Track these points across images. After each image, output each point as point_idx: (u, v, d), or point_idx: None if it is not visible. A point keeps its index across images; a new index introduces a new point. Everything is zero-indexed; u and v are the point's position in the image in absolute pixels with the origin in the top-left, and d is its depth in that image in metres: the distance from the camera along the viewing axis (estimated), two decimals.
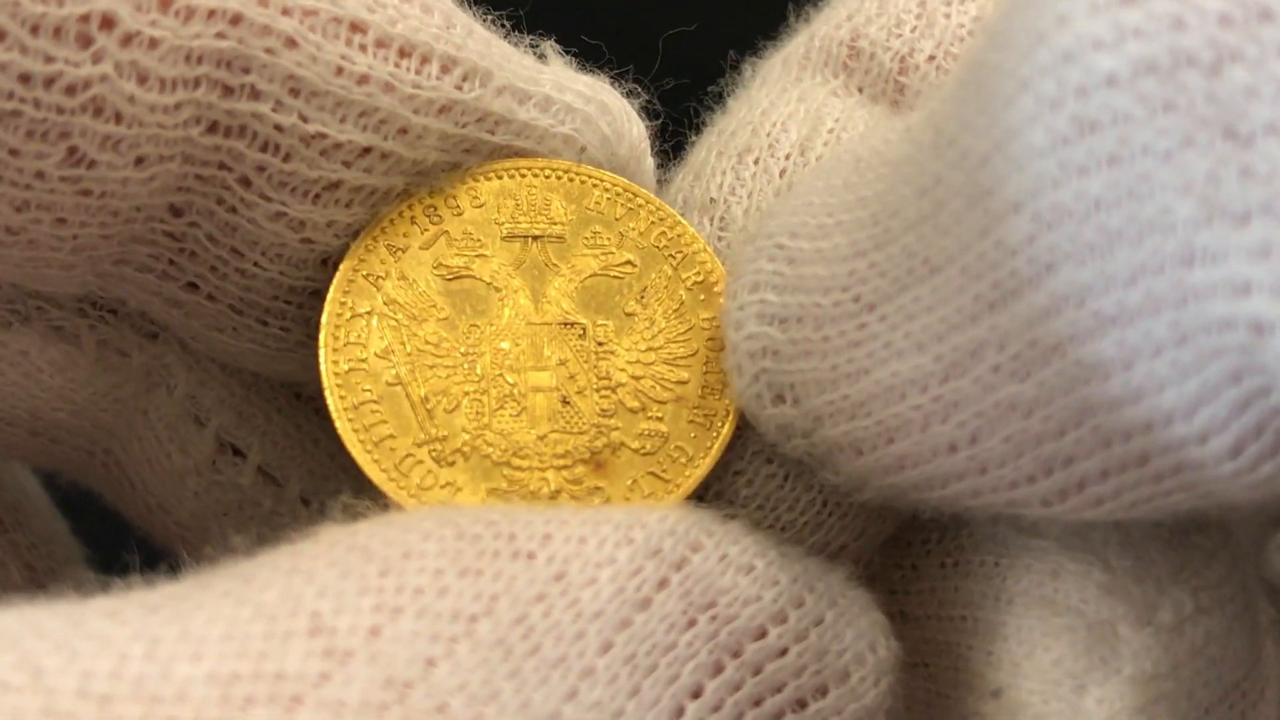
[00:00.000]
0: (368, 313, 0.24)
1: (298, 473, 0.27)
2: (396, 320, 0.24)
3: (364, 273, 0.24)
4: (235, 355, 0.26)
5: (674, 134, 0.28)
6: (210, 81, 0.21)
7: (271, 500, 0.27)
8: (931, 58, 0.27)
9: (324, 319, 0.24)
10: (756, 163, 0.26)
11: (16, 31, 0.20)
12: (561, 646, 0.19)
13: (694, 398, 0.24)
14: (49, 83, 0.20)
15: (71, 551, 0.30)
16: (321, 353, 0.24)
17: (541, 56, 0.26)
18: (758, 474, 0.24)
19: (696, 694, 0.20)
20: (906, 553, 0.26)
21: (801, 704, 0.21)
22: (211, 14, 0.21)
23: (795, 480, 0.24)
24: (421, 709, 0.18)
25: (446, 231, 0.25)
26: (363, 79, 0.22)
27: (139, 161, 0.21)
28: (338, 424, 0.24)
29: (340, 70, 0.22)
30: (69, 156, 0.21)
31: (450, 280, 0.25)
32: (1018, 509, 0.21)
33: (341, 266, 0.24)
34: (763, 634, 0.21)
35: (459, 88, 0.23)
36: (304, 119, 0.22)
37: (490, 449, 0.24)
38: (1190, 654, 0.23)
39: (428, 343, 0.24)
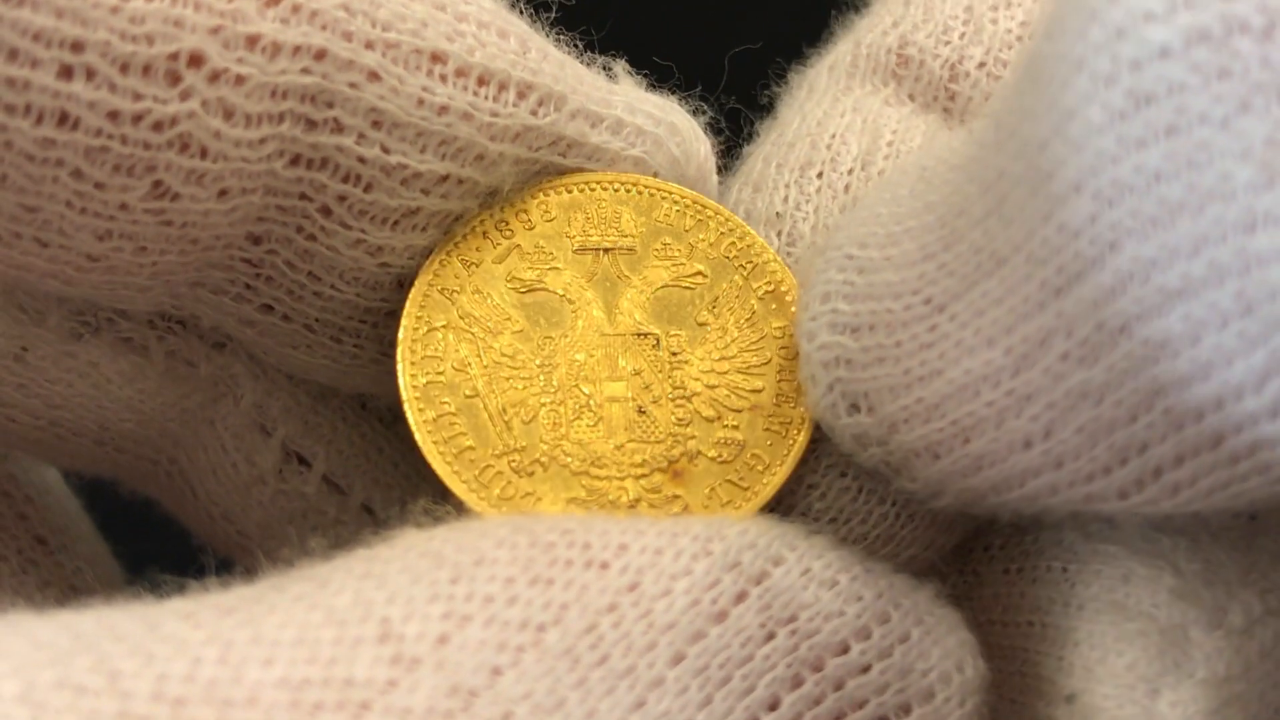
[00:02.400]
0: (444, 326, 0.25)
1: (362, 481, 0.28)
2: (472, 334, 0.25)
3: (439, 287, 0.25)
4: (306, 369, 0.26)
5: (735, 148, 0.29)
6: (294, 116, 0.22)
7: (335, 509, 0.27)
8: (981, 64, 0.27)
9: (401, 334, 0.24)
10: (820, 177, 0.26)
11: (106, 70, 0.20)
12: (630, 657, 0.19)
13: (769, 406, 0.25)
14: (136, 119, 0.20)
15: (113, 574, 0.31)
16: (400, 367, 0.24)
17: (612, 76, 0.26)
18: (831, 487, 0.24)
19: (773, 706, 0.20)
20: (968, 559, 0.26)
21: None
22: (297, 50, 0.21)
23: (869, 494, 0.24)
24: (486, 717, 0.18)
25: (519, 245, 0.25)
26: (442, 109, 0.23)
27: (222, 194, 0.22)
28: (418, 436, 0.24)
29: (421, 102, 0.22)
30: (153, 190, 0.21)
31: (524, 293, 0.25)
32: (1095, 504, 0.21)
33: (417, 282, 0.25)
34: (845, 649, 0.21)
35: (534, 113, 0.24)
36: (386, 150, 0.23)
37: (569, 459, 0.24)
38: (1260, 656, 0.23)
39: (503, 355, 0.25)
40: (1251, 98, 0.17)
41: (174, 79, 0.21)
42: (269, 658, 0.18)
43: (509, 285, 0.25)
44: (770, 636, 0.20)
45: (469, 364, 0.24)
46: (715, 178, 0.27)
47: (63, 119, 0.20)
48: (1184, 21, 0.17)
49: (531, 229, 0.25)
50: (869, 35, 0.28)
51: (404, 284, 0.25)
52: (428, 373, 0.24)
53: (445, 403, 0.24)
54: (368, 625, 0.18)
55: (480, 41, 0.23)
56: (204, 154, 0.21)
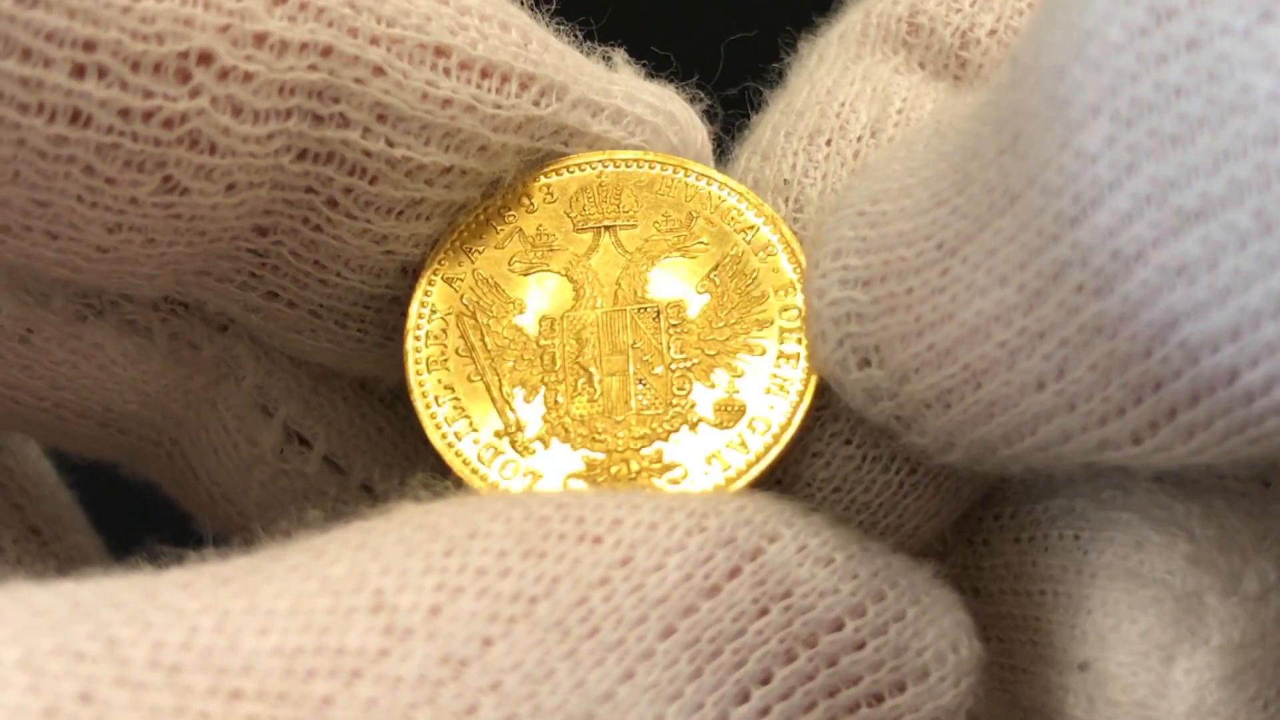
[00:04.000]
0: (448, 313, 0.25)
1: (362, 461, 0.28)
2: (475, 319, 0.25)
3: (443, 275, 0.25)
4: (309, 353, 0.26)
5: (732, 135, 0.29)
6: (301, 112, 0.22)
7: (336, 488, 0.28)
8: (992, 31, 0.27)
9: (407, 320, 0.25)
10: (829, 144, 0.26)
11: (118, 69, 0.20)
12: (621, 630, 0.19)
13: (770, 369, 0.24)
14: (147, 116, 0.21)
15: (78, 520, 0.31)
16: (405, 350, 0.24)
17: (611, 65, 0.26)
18: (835, 455, 0.24)
19: (765, 680, 0.20)
20: (978, 528, 0.26)
21: (878, 698, 0.21)
22: (304, 47, 0.22)
23: (872, 463, 0.24)
24: (475, 686, 0.18)
25: (520, 229, 0.25)
26: (446, 102, 0.23)
27: (230, 188, 0.22)
28: (421, 419, 0.24)
29: (425, 95, 0.23)
30: (163, 184, 0.21)
31: (526, 275, 0.25)
32: (1108, 452, 0.20)
33: (423, 271, 0.25)
34: (839, 626, 0.21)
35: (536, 104, 0.24)
36: (390, 144, 0.23)
37: (569, 435, 0.24)
38: (1275, 622, 0.22)
39: (505, 338, 0.25)
40: (1273, 6, 0.16)
41: (184, 77, 0.21)
42: (264, 627, 0.18)
43: (511, 269, 0.25)
44: (763, 612, 0.20)
45: (473, 348, 0.24)
46: (712, 164, 0.27)
47: (75, 117, 0.20)
48: None
49: (533, 212, 0.25)
50: (879, 4, 0.28)
51: (409, 271, 0.25)
52: (431, 357, 0.24)
53: (449, 386, 0.24)
54: (361, 595, 0.18)
55: (483, 34, 0.23)
56: (213, 150, 0.21)
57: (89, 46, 0.20)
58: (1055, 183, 0.19)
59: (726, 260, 0.25)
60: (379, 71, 0.22)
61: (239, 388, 0.27)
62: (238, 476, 0.28)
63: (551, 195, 0.25)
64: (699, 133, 0.27)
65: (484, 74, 0.23)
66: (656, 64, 0.27)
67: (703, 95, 0.28)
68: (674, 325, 0.25)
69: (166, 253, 0.23)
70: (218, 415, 0.27)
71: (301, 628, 0.18)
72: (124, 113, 0.20)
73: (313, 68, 0.22)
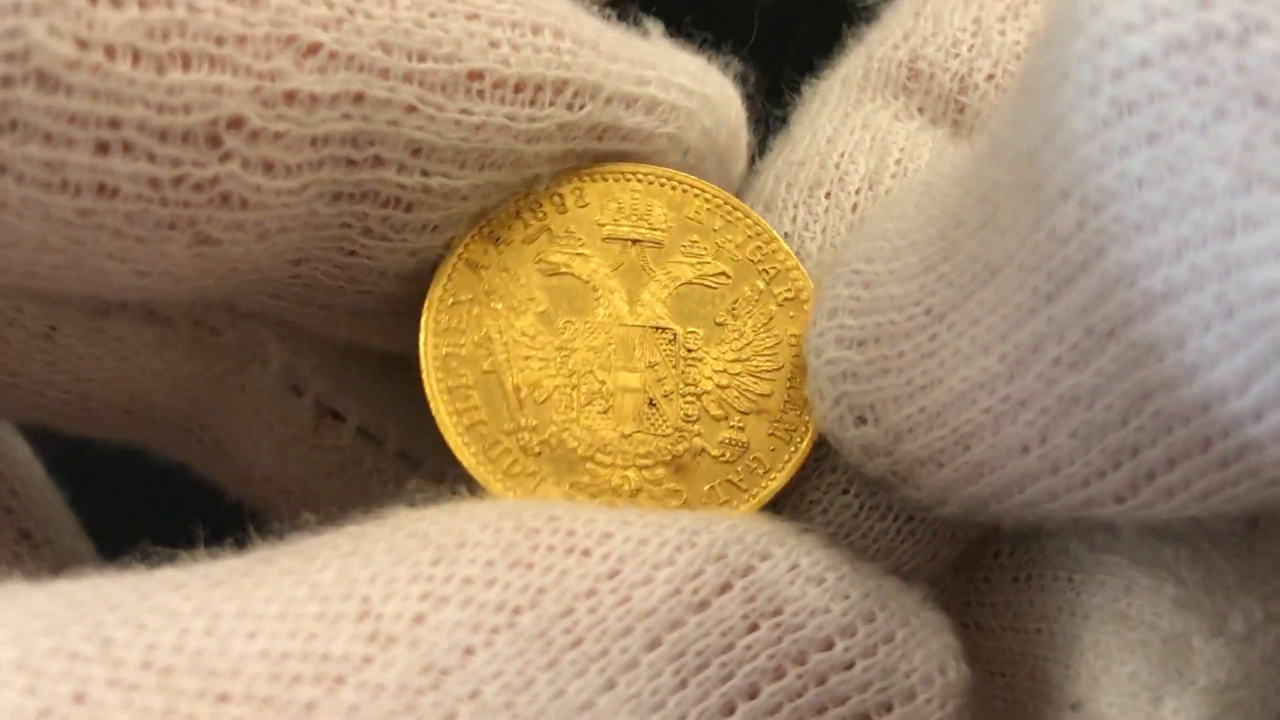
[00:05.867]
0: (469, 300, 0.25)
1: (395, 430, 0.28)
2: (495, 310, 0.25)
3: (467, 260, 0.25)
4: (341, 339, 0.27)
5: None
6: (334, 160, 0.22)
7: (372, 458, 0.28)
8: (990, 76, 0.28)
9: (426, 304, 0.25)
10: (828, 196, 0.27)
11: (144, 142, 0.20)
12: (604, 641, 0.19)
13: (775, 411, 0.25)
14: (176, 183, 0.21)
15: (68, 523, 0.31)
16: (422, 336, 0.25)
17: (645, 32, 0.26)
18: (834, 503, 0.25)
19: (752, 695, 0.20)
20: (979, 566, 0.26)
21: (865, 717, 0.21)
22: (335, 98, 0.21)
23: (870, 511, 0.25)
24: (455, 695, 0.18)
25: (549, 228, 0.26)
26: (479, 127, 0.23)
27: (261, 237, 0.22)
28: (433, 405, 0.24)
29: (458, 123, 0.23)
30: (194, 239, 0.22)
31: (550, 276, 0.25)
32: (1093, 509, 0.21)
33: (446, 256, 0.25)
34: (829, 645, 0.21)
35: (569, 108, 0.24)
36: (425, 174, 0.23)
37: (576, 444, 0.24)
38: (1262, 662, 0.23)
39: (524, 334, 0.25)
40: (1228, 103, 0.17)
41: (214, 143, 0.21)
42: (253, 630, 0.18)
43: (536, 266, 0.25)
44: (753, 628, 0.20)
45: (490, 339, 0.25)
46: (745, 136, 0.27)
47: (101, 190, 0.20)
48: (1162, 30, 0.18)
49: (564, 213, 0.26)
50: (880, 49, 0.29)
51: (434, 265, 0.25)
52: (449, 344, 0.25)
53: (463, 375, 0.25)
54: (349, 603, 0.19)
55: (514, 46, 0.23)
56: (244, 205, 0.21)
57: (113, 124, 0.20)
58: (1030, 261, 0.20)
59: (744, 298, 0.26)
60: (411, 109, 0.22)
61: (266, 370, 0.28)
62: (274, 456, 0.28)
63: (584, 199, 0.26)
64: (733, 108, 0.27)
65: (517, 89, 0.23)
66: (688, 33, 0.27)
67: (738, 63, 0.28)
68: (690, 352, 0.25)
69: (196, 286, 0.23)
70: (247, 399, 0.28)
71: (289, 633, 0.18)
72: (153, 183, 0.21)
73: (345, 117, 0.22)
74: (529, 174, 0.24)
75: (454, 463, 0.24)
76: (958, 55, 0.28)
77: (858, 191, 0.27)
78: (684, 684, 0.20)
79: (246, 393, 0.28)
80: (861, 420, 0.23)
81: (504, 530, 0.20)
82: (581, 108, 0.24)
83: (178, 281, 0.23)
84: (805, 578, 0.21)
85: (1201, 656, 0.23)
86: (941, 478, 0.22)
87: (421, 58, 0.22)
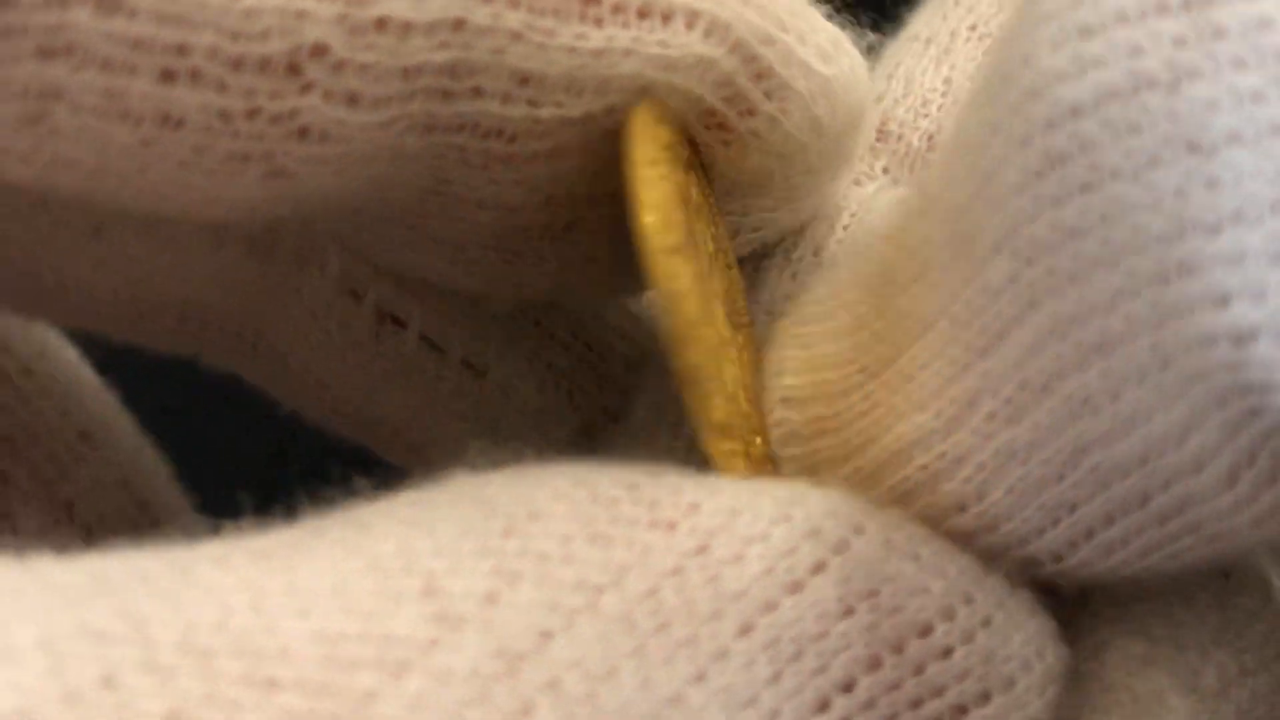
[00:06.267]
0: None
1: (460, 337, 0.27)
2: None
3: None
4: (417, 270, 0.26)
5: None
6: (428, 91, 0.20)
7: (435, 366, 0.27)
8: None
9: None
10: (772, 262, 0.27)
11: (215, 71, 0.19)
12: (693, 625, 0.18)
13: None
14: (250, 115, 0.19)
15: (159, 466, 0.31)
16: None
17: None
18: None
19: (848, 688, 0.18)
20: None
21: (962, 710, 0.19)
22: (431, 26, 0.20)
23: None
24: (533, 684, 0.16)
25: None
26: (599, 53, 0.21)
27: (341, 171, 0.21)
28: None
29: (573, 50, 0.21)
30: (268, 172, 0.20)
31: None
32: (1034, 569, 0.21)
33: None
34: (929, 630, 0.19)
35: (703, 40, 0.22)
36: (534, 104, 0.21)
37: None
38: (1237, 715, 0.22)
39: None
40: (1161, 151, 0.17)
41: (294, 72, 0.19)
42: (304, 608, 0.16)
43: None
44: (849, 611, 0.19)
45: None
46: (862, 134, 0.26)
47: (164, 120, 0.19)
48: (1093, 79, 0.18)
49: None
50: None
51: (550, 201, 0.23)
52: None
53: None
54: (411, 578, 0.17)
55: None
56: (324, 140, 0.20)
57: (181, 51, 0.19)
58: (963, 316, 0.19)
59: None
60: (517, 37, 0.20)
61: (324, 274, 0.26)
62: (331, 363, 0.27)
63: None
64: (855, 93, 0.24)
65: (641, 14, 0.21)
66: None
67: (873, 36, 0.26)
68: None
69: (265, 214, 0.22)
70: (303, 303, 0.27)
71: (345, 611, 0.16)
72: (223, 115, 0.19)
73: (442, 45, 0.20)
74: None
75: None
76: (927, 115, 0.28)
77: (799, 259, 0.26)
78: (778, 675, 0.18)
79: (304, 297, 0.27)
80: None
81: (580, 500, 0.18)
82: (712, 46, 0.22)
83: (249, 210, 0.21)
84: (901, 553, 0.20)
85: (1175, 714, 0.22)
86: None
87: None
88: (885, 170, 0.28)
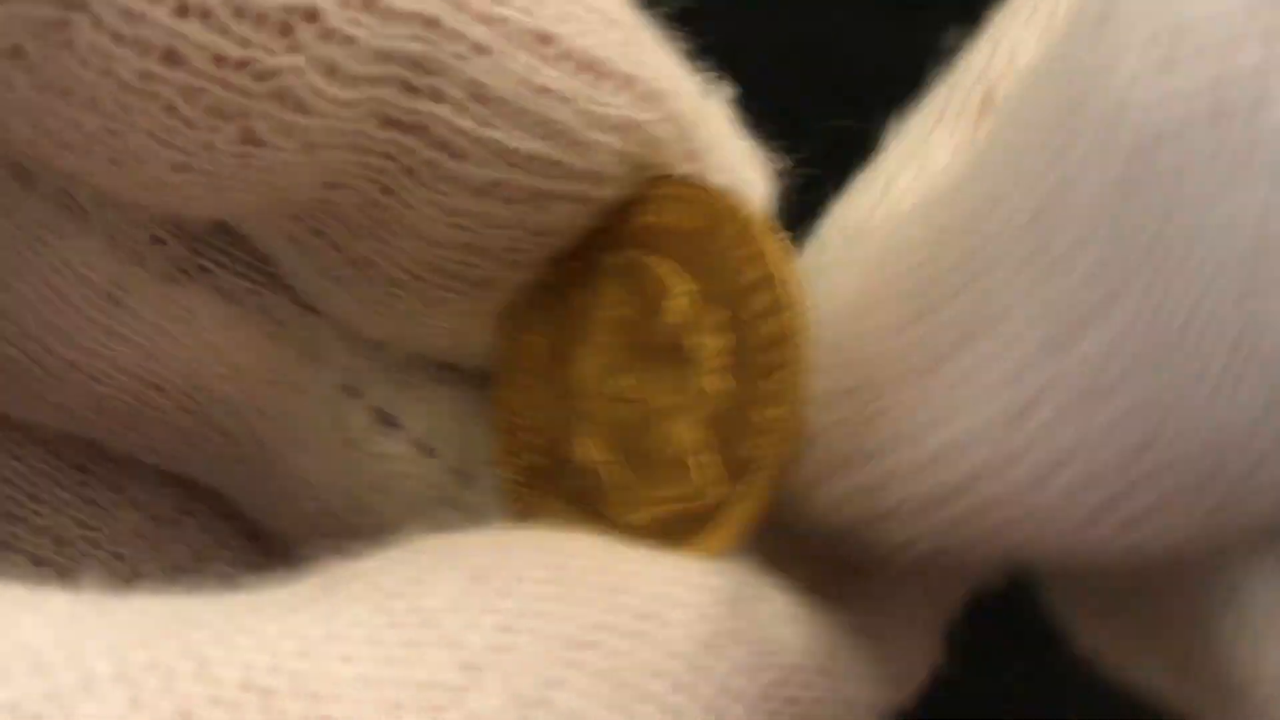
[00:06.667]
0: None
1: (452, 444, 0.27)
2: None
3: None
4: (379, 328, 0.27)
5: None
6: (395, 80, 0.22)
7: (425, 471, 0.27)
8: None
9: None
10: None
11: (221, 14, 0.20)
12: (652, 681, 0.20)
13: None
14: (240, 65, 0.20)
15: None
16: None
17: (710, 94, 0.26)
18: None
19: None
20: None
21: None
22: (410, 16, 0.21)
23: None
24: None
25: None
26: (543, 90, 0.22)
27: (308, 147, 0.22)
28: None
29: (523, 80, 0.22)
30: (241, 135, 0.21)
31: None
32: (1068, 557, 0.22)
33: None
34: (811, 685, 0.22)
35: (635, 104, 0.23)
36: (481, 122, 0.22)
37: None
38: None
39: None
40: (1241, 176, 0.18)
41: (285, 31, 0.20)
42: (346, 655, 0.18)
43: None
44: (757, 670, 0.21)
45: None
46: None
47: (168, 55, 0.20)
48: (1176, 110, 0.18)
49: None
50: (965, 79, 0.29)
51: (471, 249, 0.24)
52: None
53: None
54: (431, 631, 0.19)
55: (587, 27, 0.23)
56: (300, 108, 0.21)
57: None
58: (1030, 319, 0.20)
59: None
60: (480, 50, 0.22)
61: (327, 368, 0.27)
62: (323, 464, 0.27)
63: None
64: (762, 203, 0.26)
65: (583, 68, 0.23)
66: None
67: (783, 157, 0.27)
68: None
69: (227, 198, 0.23)
70: (305, 400, 0.27)
71: (383, 659, 0.18)
72: (219, 59, 0.20)
73: (415, 37, 0.21)
74: (588, 166, 0.24)
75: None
76: None
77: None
78: None
79: (306, 394, 0.27)
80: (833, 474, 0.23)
81: (551, 568, 0.21)
82: (644, 113, 0.23)
83: (210, 189, 0.22)
84: (792, 619, 0.22)
85: None
86: (915, 529, 0.22)
87: (499, 2, 0.22)
88: None
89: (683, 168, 0.25)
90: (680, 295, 0.25)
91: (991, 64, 0.28)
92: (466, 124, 0.22)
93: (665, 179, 0.25)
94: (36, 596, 0.17)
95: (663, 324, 0.25)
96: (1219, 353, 0.18)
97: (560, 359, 0.26)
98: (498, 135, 0.22)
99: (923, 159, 0.28)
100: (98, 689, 0.16)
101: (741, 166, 0.26)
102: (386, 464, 0.27)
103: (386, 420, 0.27)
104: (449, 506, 0.26)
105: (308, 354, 0.27)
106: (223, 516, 0.30)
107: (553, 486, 0.26)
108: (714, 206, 0.24)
